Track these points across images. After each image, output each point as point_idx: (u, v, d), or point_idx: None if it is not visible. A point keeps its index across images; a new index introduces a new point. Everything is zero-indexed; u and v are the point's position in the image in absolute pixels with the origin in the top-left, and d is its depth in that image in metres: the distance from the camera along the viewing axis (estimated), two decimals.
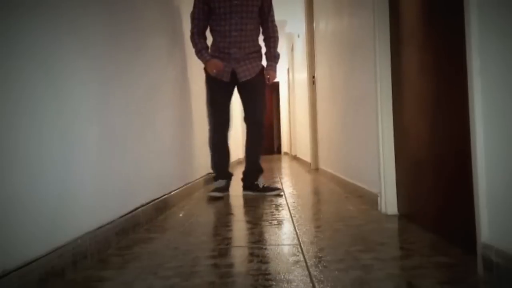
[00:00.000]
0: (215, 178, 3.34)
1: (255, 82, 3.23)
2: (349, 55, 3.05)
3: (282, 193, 3.22)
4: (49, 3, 1.41)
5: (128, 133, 2.09)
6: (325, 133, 4.43)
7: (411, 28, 1.88)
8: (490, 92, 1.18)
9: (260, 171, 3.34)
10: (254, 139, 3.30)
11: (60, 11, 1.48)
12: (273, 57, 3.33)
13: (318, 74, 4.91)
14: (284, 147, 12.53)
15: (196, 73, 3.83)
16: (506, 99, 1.10)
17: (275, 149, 14.24)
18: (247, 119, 3.28)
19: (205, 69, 3.28)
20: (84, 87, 1.64)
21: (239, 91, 3.29)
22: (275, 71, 3.33)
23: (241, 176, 3.41)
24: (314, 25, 5.17)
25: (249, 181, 3.33)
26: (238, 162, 7.50)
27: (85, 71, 1.65)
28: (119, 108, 1.99)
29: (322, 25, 4.43)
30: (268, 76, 3.29)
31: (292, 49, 8.80)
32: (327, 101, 4.19)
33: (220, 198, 3.15)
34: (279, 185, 3.76)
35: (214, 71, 3.09)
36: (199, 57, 3.20)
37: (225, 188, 3.29)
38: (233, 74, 3.19)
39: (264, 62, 3.32)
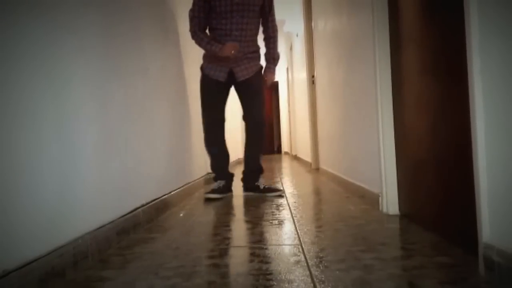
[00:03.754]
0: (215, 179, 3.31)
1: (253, 82, 3.19)
2: (349, 55, 3.04)
3: (283, 194, 3.19)
4: (48, 3, 1.41)
5: (128, 133, 2.09)
6: (326, 132, 4.43)
7: (410, 27, 1.88)
8: (491, 92, 1.18)
9: (260, 171, 3.31)
10: (254, 139, 3.26)
11: (58, 11, 1.48)
12: (272, 59, 3.31)
13: (317, 73, 4.90)
14: (284, 147, 12.53)
15: (194, 72, 3.83)
16: (507, 99, 1.10)
17: (275, 149, 14.24)
18: (246, 119, 3.23)
19: (201, 68, 3.26)
20: (83, 87, 1.64)
21: (237, 91, 3.26)
22: (273, 73, 3.31)
23: (241, 176, 3.38)
24: (312, 24, 5.16)
25: (250, 181, 3.30)
26: (238, 162, 7.50)
27: (85, 71, 1.65)
28: (119, 108, 1.99)
29: (321, 24, 4.42)
30: (266, 78, 3.28)
31: (290, 49, 8.79)
32: (327, 101, 4.19)
33: (216, 199, 3.10)
34: (279, 185, 3.76)
35: (233, 52, 3.00)
36: (208, 49, 3.10)
37: (224, 189, 3.23)
38: (230, 74, 3.16)
39: (262, 62, 3.29)
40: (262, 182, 3.30)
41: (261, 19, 3.24)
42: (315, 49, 4.98)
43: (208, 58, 3.21)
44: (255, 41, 3.22)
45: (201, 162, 4.03)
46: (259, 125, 3.21)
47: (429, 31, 1.70)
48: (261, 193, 3.22)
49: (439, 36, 1.60)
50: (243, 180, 3.36)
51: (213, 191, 3.17)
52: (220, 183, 3.25)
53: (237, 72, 3.15)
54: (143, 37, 2.40)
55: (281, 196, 3.12)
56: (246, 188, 3.33)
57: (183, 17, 3.48)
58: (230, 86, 3.26)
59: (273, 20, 3.29)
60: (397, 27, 2.06)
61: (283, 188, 3.59)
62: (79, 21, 1.62)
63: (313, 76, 5.48)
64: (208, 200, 3.09)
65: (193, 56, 3.77)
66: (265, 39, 3.32)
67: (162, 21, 2.90)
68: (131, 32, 2.20)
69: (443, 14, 1.56)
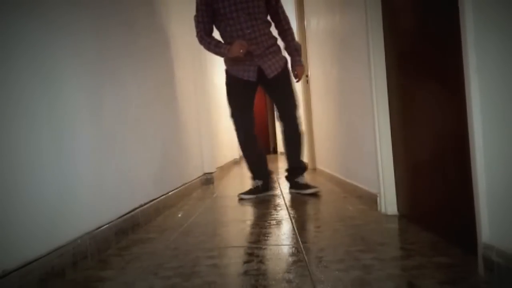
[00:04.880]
0: (253, 179, 3.25)
1: (282, 77, 3.12)
2: (343, 54, 3.04)
3: (318, 193, 3.10)
4: (44, 6, 1.41)
5: (126, 134, 2.09)
6: (322, 133, 4.43)
7: (405, 25, 1.88)
8: (488, 91, 1.18)
9: (301, 169, 3.23)
10: (293, 137, 3.18)
11: (54, 14, 1.47)
12: (295, 51, 3.21)
13: (311, 73, 4.90)
14: (280, 147, 12.53)
15: (188, 74, 3.83)
16: (504, 97, 1.10)
17: (271, 149, 14.24)
18: (282, 117, 3.15)
19: (226, 71, 3.18)
20: (81, 89, 1.64)
21: (267, 89, 3.17)
22: (302, 65, 3.21)
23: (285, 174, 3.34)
24: (305, 23, 5.15)
25: (292, 179, 3.25)
26: (234, 162, 7.51)
27: (81, 73, 1.65)
28: (116, 109, 1.99)
29: (313, 24, 4.41)
30: (295, 72, 3.18)
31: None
32: (322, 101, 4.19)
33: (250, 199, 3.07)
34: (276, 185, 3.76)
35: (241, 51, 2.92)
36: (217, 52, 3.04)
37: (261, 189, 3.18)
38: (259, 72, 3.08)
39: (284, 53, 3.22)
40: (299, 180, 3.19)
41: (270, 13, 3.16)
42: (308, 49, 4.97)
43: (231, 61, 3.12)
44: (270, 33, 3.13)
45: (197, 163, 4.03)
46: (295, 122, 3.15)
47: (424, 28, 1.70)
48: (296, 190, 3.17)
49: (434, 33, 1.60)
50: (287, 178, 3.30)
51: (248, 192, 3.14)
52: (258, 182, 3.20)
53: (266, 68, 3.06)
54: (137, 39, 2.40)
55: (315, 195, 3.04)
56: (290, 185, 3.26)
57: (176, 19, 3.47)
58: (257, 85, 3.16)
59: (283, 12, 3.20)
60: (391, 24, 2.07)
61: (280, 188, 3.59)
62: (73, 25, 1.62)
63: (307, 76, 5.48)
64: (241, 200, 3.06)
65: (184, 58, 3.77)
66: (280, 33, 3.24)
67: (156, 23, 2.90)
68: (125, 35, 2.19)
69: (438, 11, 1.56)
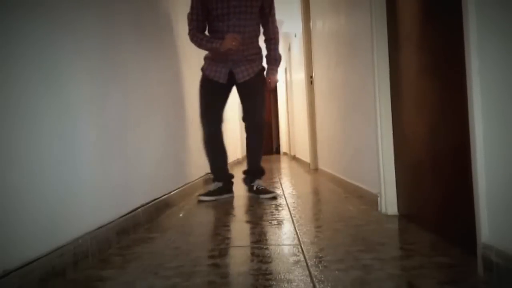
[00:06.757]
0: (213, 180, 3.28)
1: (254, 83, 3.17)
2: (347, 55, 3.05)
3: (277, 197, 3.11)
4: (45, 5, 1.41)
5: (127, 133, 2.09)
6: (324, 133, 4.44)
7: (409, 27, 1.89)
8: (489, 92, 1.18)
9: (258, 172, 3.29)
10: (254, 141, 3.24)
11: (56, 12, 1.47)
12: (274, 60, 3.27)
13: (316, 74, 4.91)
14: (283, 147, 12.54)
15: (192, 73, 3.83)
16: (505, 99, 1.10)
17: (274, 149, 14.25)
18: (246, 120, 3.20)
19: (202, 69, 3.25)
20: (82, 88, 1.64)
21: (238, 92, 3.24)
22: (275, 74, 3.28)
23: (242, 176, 3.39)
24: (311, 24, 5.16)
25: (247, 182, 3.32)
26: (237, 162, 7.51)
27: (83, 73, 1.65)
28: (118, 109, 1.99)
29: (319, 25, 4.43)
30: (269, 81, 3.25)
31: (289, 49, 8.80)
32: (326, 101, 4.19)
33: (210, 201, 3.07)
34: (278, 185, 3.76)
35: (234, 43, 2.93)
36: (209, 47, 3.06)
37: (220, 191, 3.19)
38: (231, 75, 3.15)
39: (265, 63, 3.28)
40: (258, 184, 3.25)
41: (261, 20, 3.20)
42: (313, 50, 4.98)
43: (209, 60, 3.19)
44: (255, 43, 3.19)
45: (200, 162, 4.04)
46: (258, 126, 3.18)
47: (427, 31, 1.70)
48: (255, 194, 3.21)
49: (437, 36, 1.60)
50: (243, 180, 3.36)
51: (207, 194, 3.15)
52: (217, 185, 3.22)
53: (237, 73, 3.13)
54: (141, 39, 2.41)
55: (275, 198, 3.05)
56: (249, 189, 3.32)
57: (181, 19, 3.47)
58: (231, 88, 3.24)
59: (274, 22, 3.24)
60: (396, 26, 2.07)
61: (282, 188, 3.59)
62: (76, 22, 1.62)
63: (311, 77, 5.49)
64: (201, 202, 3.06)
65: (190, 57, 3.78)
66: (265, 41, 3.30)
67: (160, 23, 2.90)
68: (129, 34, 2.20)
69: (441, 14, 1.56)
